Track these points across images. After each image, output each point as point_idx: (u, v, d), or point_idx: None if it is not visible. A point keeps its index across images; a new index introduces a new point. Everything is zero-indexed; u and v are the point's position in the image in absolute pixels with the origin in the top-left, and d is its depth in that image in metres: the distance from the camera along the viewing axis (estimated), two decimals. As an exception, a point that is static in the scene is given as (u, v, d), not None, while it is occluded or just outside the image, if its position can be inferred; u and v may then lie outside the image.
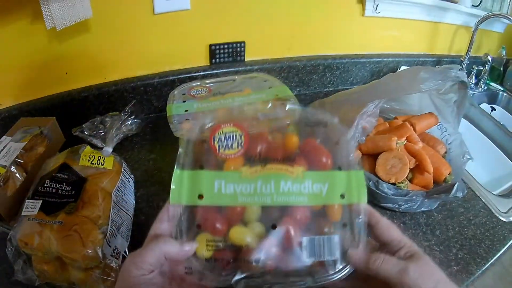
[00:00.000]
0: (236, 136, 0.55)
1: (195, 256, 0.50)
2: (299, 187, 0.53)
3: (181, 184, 0.52)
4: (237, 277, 0.50)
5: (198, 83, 1.02)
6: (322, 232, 0.52)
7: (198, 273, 0.50)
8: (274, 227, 0.51)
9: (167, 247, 0.48)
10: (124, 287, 0.47)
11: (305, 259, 0.51)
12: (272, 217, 0.52)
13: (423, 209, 0.96)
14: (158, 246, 0.47)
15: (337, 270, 0.51)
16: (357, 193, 0.54)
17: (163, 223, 0.51)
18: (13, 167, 0.85)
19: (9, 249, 0.72)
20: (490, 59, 1.71)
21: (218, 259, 0.51)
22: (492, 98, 1.86)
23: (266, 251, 0.50)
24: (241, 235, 0.51)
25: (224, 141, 0.55)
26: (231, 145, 0.55)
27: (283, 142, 0.57)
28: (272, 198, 0.52)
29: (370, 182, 0.91)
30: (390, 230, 0.53)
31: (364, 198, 0.54)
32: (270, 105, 0.61)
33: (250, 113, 0.61)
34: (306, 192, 0.53)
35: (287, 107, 0.59)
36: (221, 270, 0.50)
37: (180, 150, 0.55)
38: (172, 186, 0.52)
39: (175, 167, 0.53)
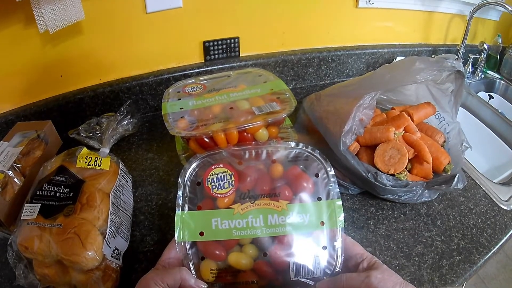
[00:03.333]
0: (226, 176, 0.65)
1: (201, 279, 0.61)
2: (284, 218, 0.63)
3: (183, 225, 0.62)
4: None
5: (193, 81, 1.02)
6: (305, 254, 0.63)
7: None
8: (265, 255, 0.62)
9: (186, 278, 0.57)
10: None
11: (292, 278, 0.62)
12: (262, 245, 0.62)
13: (423, 199, 0.96)
14: (179, 274, 0.57)
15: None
16: (335, 219, 0.65)
17: (172, 252, 0.62)
18: (11, 172, 0.85)
19: (9, 254, 0.72)
20: (486, 47, 1.70)
21: (221, 282, 0.61)
22: (490, 86, 1.85)
23: (260, 273, 0.62)
24: (238, 259, 0.62)
25: (216, 181, 0.65)
26: (223, 185, 0.64)
27: (269, 171, 0.68)
28: (262, 231, 0.62)
29: (369, 174, 0.91)
30: (355, 245, 0.64)
31: (342, 222, 0.65)
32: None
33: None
34: (290, 222, 0.63)
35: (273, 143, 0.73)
36: None
37: (179, 193, 0.64)
38: (176, 227, 0.62)
39: (176, 209, 0.63)
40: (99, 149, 0.92)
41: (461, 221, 0.97)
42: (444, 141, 1.08)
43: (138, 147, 1.14)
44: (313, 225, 0.64)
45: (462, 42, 1.65)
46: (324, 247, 0.63)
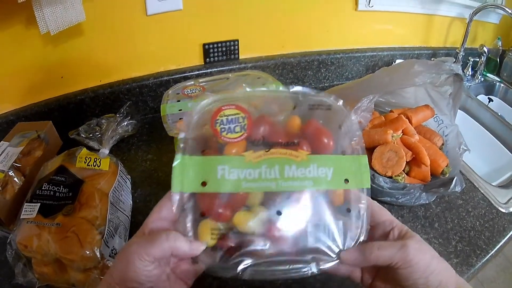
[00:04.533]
0: (238, 119, 0.53)
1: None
2: (304, 171, 0.51)
3: (183, 171, 0.50)
4: (243, 265, 0.49)
5: (192, 82, 1.02)
6: (326, 217, 0.52)
7: (202, 262, 0.49)
8: (279, 213, 0.50)
9: (177, 245, 0.47)
10: (122, 275, 0.46)
11: (310, 245, 0.51)
12: (276, 202, 0.51)
13: (421, 202, 0.96)
14: (167, 242, 0.46)
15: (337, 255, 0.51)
16: (360, 178, 0.54)
17: (163, 210, 0.50)
18: (11, 172, 0.86)
19: (9, 252, 0.72)
20: (486, 50, 1.71)
21: (223, 247, 0.49)
22: (489, 89, 1.85)
23: (272, 238, 0.50)
24: (246, 220, 0.50)
25: (226, 124, 0.52)
26: (234, 128, 0.52)
27: (285, 124, 0.56)
28: (277, 184, 0.50)
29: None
30: (382, 211, 0.55)
31: (368, 183, 0.54)
32: (274, 86, 0.58)
33: (255, 93, 0.58)
34: (311, 176, 0.52)
35: (292, 88, 0.56)
36: (226, 258, 0.49)
37: (180, 134, 0.52)
38: (173, 173, 0.50)
39: (176, 152, 0.51)
40: (98, 150, 0.93)
41: (459, 224, 0.97)
42: (443, 144, 1.08)
43: (137, 148, 1.15)
44: (336, 182, 0.53)
45: (462, 45, 1.66)
46: (348, 210, 0.53)
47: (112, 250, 0.75)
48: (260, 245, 0.50)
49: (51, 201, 0.76)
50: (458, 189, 0.92)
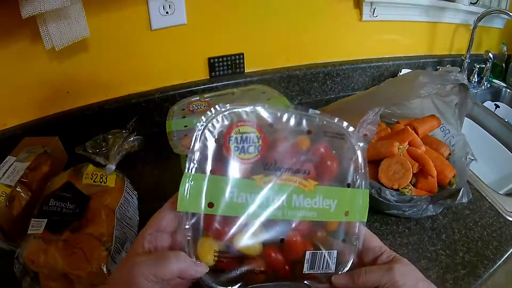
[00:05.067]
0: (254, 138, 0.51)
1: (199, 261, 0.48)
2: (310, 202, 0.52)
3: (189, 190, 0.48)
4: (239, 285, 0.50)
5: (197, 98, 1.03)
6: (323, 247, 0.53)
7: (201, 281, 0.49)
8: (282, 240, 0.51)
9: (182, 266, 0.46)
10: None
11: (305, 271, 0.52)
12: (277, 227, 0.51)
13: (428, 213, 0.95)
14: (177, 264, 0.46)
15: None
16: (359, 212, 0.55)
17: (162, 222, 0.50)
18: (18, 187, 0.86)
19: (16, 266, 0.73)
20: (491, 56, 1.70)
21: (223, 267, 0.49)
22: (496, 95, 1.85)
23: (271, 262, 0.50)
24: (246, 242, 0.49)
25: (240, 143, 0.50)
26: (248, 148, 0.50)
27: (295, 143, 0.54)
28: (283, 212, 0.50)
29: (373, 190, 0.91)
30: (372, 237, 0.57)
31: (365, 217, 0.55)
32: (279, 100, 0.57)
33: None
34: (316, 207, 0.52)
35: (310, 111, 0.55)
36: (223, 278, 0.49)
37: (190, 149, 0.50)
38: (180, 191, 0.48)
39: (185, 168, 0.49)
40: (105, 165, 0.93)
41: (466, 234, 0.97)
42: (450, 154, 1.07)
43: (144, 164, 1.15)
44: (338, 214, 0.54)
45: (467, 51, 1.66)
46: (344, 241, 0.54)
47: (118, 266, 0.75)
48: (258, 267, 0.50)
49: (58, 217, 0.77)
50: (465, 200, 0.92)
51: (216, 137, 0.50)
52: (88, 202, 0.81)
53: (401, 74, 1.63)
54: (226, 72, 1.35)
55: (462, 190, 0.91)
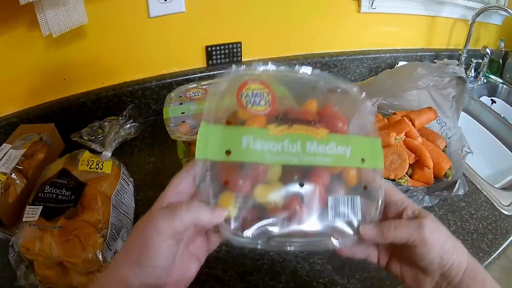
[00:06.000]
0: (263, 94, 0.52)
1: None
2: (324, 148, 0.52)
3: (207, 139, 0.49)
4: (263, 235, 0.49)
5: (195, 85, 1.02)
6: (345, 193, 0.53)
7: (223, 231, 0.48)
8: (301, 185, 0.51)
9: (200, 214, 0.45)
10: (138, 258, 0.44)
11: (330, 219, 0.51)
12: (295, 179, 0.51)
13: (424, 204, 0.96)
14: (189, 213, 0.44)
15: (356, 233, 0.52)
16: (375, 158, 0.55)
17: (182, 184, 0.48)
18: (13, 174, 0.86)
19: (11, 255, 0.73)
20: (488, 51, 1.71)
21: (243, 218, 0.49)
22: (492, 91, 1.85)
23: (292, 210, 0.50)
24: (266, 193, 0.50)
25: (252, 97, 0.52)
26: (259, 102, 0.52)
27: (302, 107, 0.56)
28: (299, 158, 0.51)
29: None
30: (395, 191, 0.55)
31: (382, 163, 0.56)
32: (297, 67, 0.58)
33: (277, 73, 0.56)
34: (331, 153, 0.52)
35: (313, 71, 0.56)
36: (246, 229, 0.49)
37: (206, 104, 0.52)
38: (198, 140, 0.49)
39: (202, 121, 0.50)
40: (101, 153, 0.93)
41: (461, 226, 0.97)
42: (446, 146, 1.08)
43: (140, 151, 1.14)
44: (354, 160, 0.54)
45: (464, 46, 1.66)
46: (365, 187, 0.54)
47: (114, 253, 0.75)
48: (280, 217, 0.50)
49: (54, 204, 0.76)
50: (461, 192, 0.92)
51: (230, 93, 0.53)
52: (84, 189, 0.81)
53: (397, 66, 1.63)
54: (223, 60, 1.35)
55: (458, 182, 0.92)
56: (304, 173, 0.51)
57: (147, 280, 0.44)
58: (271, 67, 0.55)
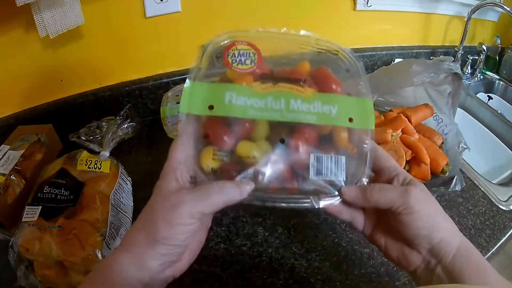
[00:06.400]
0: (250, 54, 0.54)
1: (200, 167, 0.49)
2: (308, 106, 0.52)
3: (191, 95, 0.51)
4: None
5: (191, 84, 1.02)
6: (329, 152, 0.52)
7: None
8: (282, 141, 0.51)
9: (232, 196, 0.45)
10: (165, 237, 0.43)
11: (311, 177, 0.51)
12: (282, 136, 0.51)
13: (421, 200, 0.96)
14: (221, 196, 0.45)
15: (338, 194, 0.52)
16: (365, 119, 0.55)
17: (180, 152, 0.48)
18: (12, 175, 0.86)
19: (11, 255, 0.73)
20: (485, 48, 1.71)
21: (224, 171, 0.49)
22: (489, 87, 1.86)
23: (273, 165, 0.50)
24: (249, 149, 0.50)
25: (237, 57, 0.54)
26: (244, 61, 0.54)
27: (294, 67, 0.57)
28: (281, 114, 0.51)
29: (366, 175, 0.92)
30: (388, 157, 0.55)
31: (372, 124, 0.55)
32: (285, 29, 0.59)
33: (267, 34, 0.58)
34: (315, 111, 0.52)
35: (301, 32, 0.58)
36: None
37: (194, 63, 0.54)
38: (183, 96, 0.51)
39: (187, 79, 0.52)
40: (99, 153, 0.93)
41: (459, 222, 0.98)
42: (442, 143, 1.08)
43: (137, 151, 1.15)
44: (340, 119, 0.53)
45: (460, 43, 1.66)
46: (351, 148, 0.54)
47: (113, 252, 0.75)
48: (261, 172, 0.50)
49: (53, 204, 0.77)
50: (458, 188, 0.92)
51: (217, 54, 0.54)
52: (82, 188, 0.81)
53: (393, 63, 1.63)
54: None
55: (455, 178, 0.92)
56: (289, 132, 0.52)
57: (170, 258, 0.44)
58: (263, 29, 0.57)
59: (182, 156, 0.48)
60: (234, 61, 0.53)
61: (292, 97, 0.52)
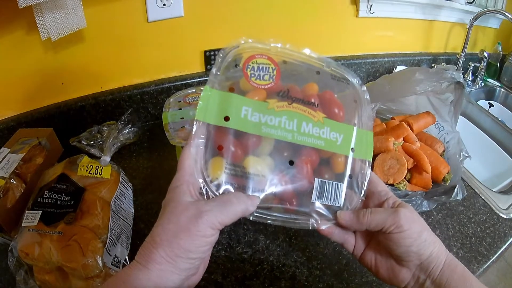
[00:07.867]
0: (269, 69, 0.55)
1: (210, 179, 0.50)
2: (318, 131, 0.55)
3: (208, 103, 0.51)
4: None
5: (193, 90, 1.02)
6: (331, 178, 0.56)
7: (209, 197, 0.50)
8: (291, 163, 0.53)
9: (243, 207, 0.47)
10: (188, 249, 0.43)
11: (313, 200, 0.54)
12: (285, 155, 0.53)
13: (422, 209, 0.96)
14: (239, 205, 0.47)
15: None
16: (365, 150, 0.58)
17: (188, 158, 0.49)
18: (12, 179, 0.85)
19: (10, 260, 0.72)
20: (486, 55, 1.71)
21: (230, 184, 0.50)
22: (490, 94, 1.86)
23: (278, 183, 0.52)
24: (257, 164, 0.52)
25: (257, 71, 0.54)
26: (263, 76, 0.54)
27: (304, 88, 0.58)
28: (293, 135, 0.53)
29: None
30: (379, 182, 0.59)
31: (370, 156, 0.58)
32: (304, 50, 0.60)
33: (286, 52, 0.59)
34: (324, 137, 0.55)
35: (316, 56, 0.61)
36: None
37: (213, 70, 0.54)
38: (200, 103, 0.51)
39: (206, 84, 0.52)
40: (100, 157, 0.93)
41: (460, 230, 0.97)
42: (444, 151, 1.08)
43: (139, 156, 1.14)
44: (344, 148, 0.57)
45: (462, 50, 1.66)
46: (350, 176, 0.57)
47: (114, 258, 0.75)
48: (266, 189, 0.52)
49: (53, 209, 0.76)
50: (459, 197, 0.92)
51: (237, 63, 0.55)
52: (83, 194, 0.80)
53: (396, 70, 1.63)
54: (221, 65, 1.34)
55: (457, 187, 0.92)
56: (294, 152, 0.54)
57: (190, 272, 0.45)
58: (280, 45, 0.58)
59: (193, 167, 0.49)
60: (253, 75, 0.54)
61: (305, 120, 0.54)
